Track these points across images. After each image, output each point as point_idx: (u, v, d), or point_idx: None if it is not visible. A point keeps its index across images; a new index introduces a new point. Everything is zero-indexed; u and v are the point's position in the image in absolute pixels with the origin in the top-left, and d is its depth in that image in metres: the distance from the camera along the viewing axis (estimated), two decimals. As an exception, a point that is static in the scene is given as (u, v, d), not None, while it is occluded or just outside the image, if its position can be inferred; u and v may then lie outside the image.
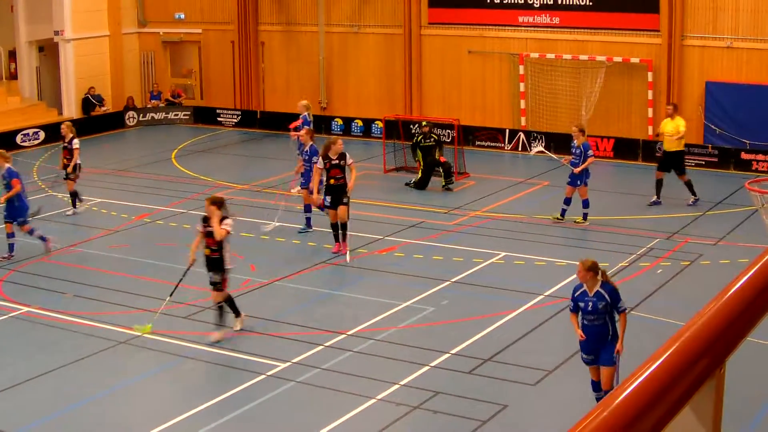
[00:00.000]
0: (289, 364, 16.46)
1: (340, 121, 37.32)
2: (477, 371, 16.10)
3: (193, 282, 20.69)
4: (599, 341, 13.95)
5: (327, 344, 17.28)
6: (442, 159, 28.72)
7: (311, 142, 24.21)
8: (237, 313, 17.96)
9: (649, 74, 31.65)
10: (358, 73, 37.45)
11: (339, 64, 37.77)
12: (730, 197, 26.88)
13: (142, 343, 17.57)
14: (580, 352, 14.35)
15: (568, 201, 24.51)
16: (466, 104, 35.15)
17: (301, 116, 27.14)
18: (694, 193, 26.14)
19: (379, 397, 15.19)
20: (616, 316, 14.02)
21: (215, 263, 17.76)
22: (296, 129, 26.85)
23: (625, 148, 31.97)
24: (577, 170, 24.04)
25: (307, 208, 24.24)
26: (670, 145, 25.88)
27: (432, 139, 28.98)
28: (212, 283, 17.77)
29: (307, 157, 24.09)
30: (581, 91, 32.84)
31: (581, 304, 13.96)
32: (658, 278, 20.51)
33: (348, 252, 22.15)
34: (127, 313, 19.00)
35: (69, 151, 26.01)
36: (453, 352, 16.84)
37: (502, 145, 33.87)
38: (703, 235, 23.34)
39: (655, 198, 26.19)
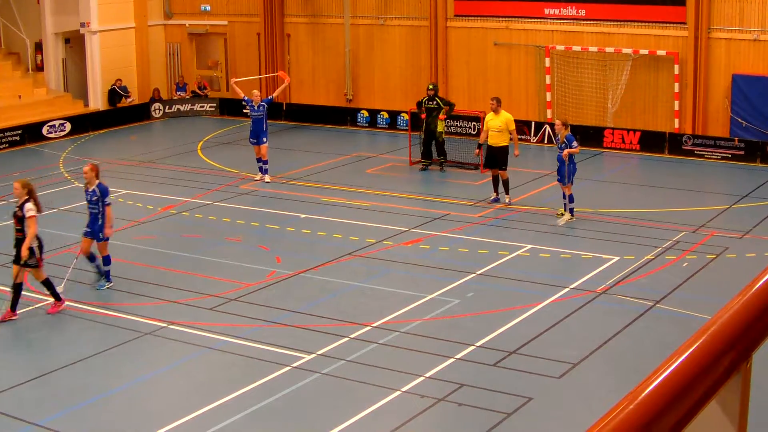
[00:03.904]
0: (314, 355, 16.48)
1: (366, 113, 37.32)
2: (502, 364, 16.09)
3: (218, 274, 20.76)
4: None
5: (352, 336, 17.30)
6: (441, 115, 29.55)
7: (97, 181, 19.84)
8: None
9: (676, 67, 31.50)
10: (384, 66, 37.45)
11: (365, 57, 37.76)
12: (756, 190, 26.75)
13: (167, 335, 17.64)
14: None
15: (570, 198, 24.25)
16: (492, 96, 35.00)
17: (259, 103, 28.83)
18: (507, 192, 25.71)
19: (404, 389, 15.19)
20: None
21: None
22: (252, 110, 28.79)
23: (652, 141, 31.83)
24: (564, 153, 23.70)
25: (105, 259, 20.19)
26: (496, 140, 25.69)
27: (435, 102, 29.78)
28: None
29: (90, 199, 19.87)
30: (607, 83, 32.74)
31: None
32: (684, 271, 20.42)
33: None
34: (153, 304, 19.08)
35: None
36: (478, 344, 16.83)
37: (528, 137, 33.74)
38: (729, 229, 23.23)
39: (494, 195, 25.90)
